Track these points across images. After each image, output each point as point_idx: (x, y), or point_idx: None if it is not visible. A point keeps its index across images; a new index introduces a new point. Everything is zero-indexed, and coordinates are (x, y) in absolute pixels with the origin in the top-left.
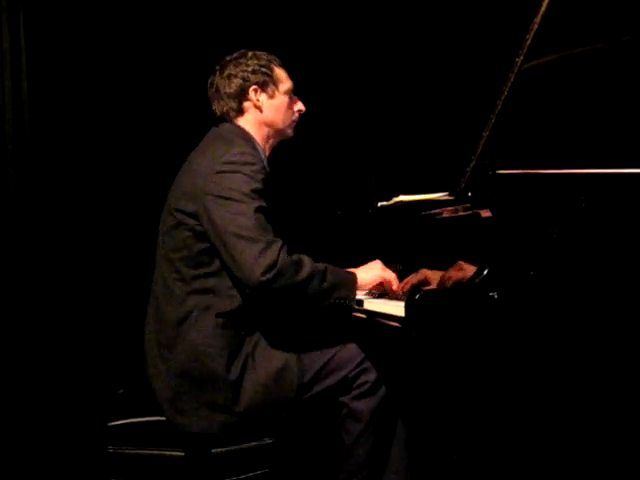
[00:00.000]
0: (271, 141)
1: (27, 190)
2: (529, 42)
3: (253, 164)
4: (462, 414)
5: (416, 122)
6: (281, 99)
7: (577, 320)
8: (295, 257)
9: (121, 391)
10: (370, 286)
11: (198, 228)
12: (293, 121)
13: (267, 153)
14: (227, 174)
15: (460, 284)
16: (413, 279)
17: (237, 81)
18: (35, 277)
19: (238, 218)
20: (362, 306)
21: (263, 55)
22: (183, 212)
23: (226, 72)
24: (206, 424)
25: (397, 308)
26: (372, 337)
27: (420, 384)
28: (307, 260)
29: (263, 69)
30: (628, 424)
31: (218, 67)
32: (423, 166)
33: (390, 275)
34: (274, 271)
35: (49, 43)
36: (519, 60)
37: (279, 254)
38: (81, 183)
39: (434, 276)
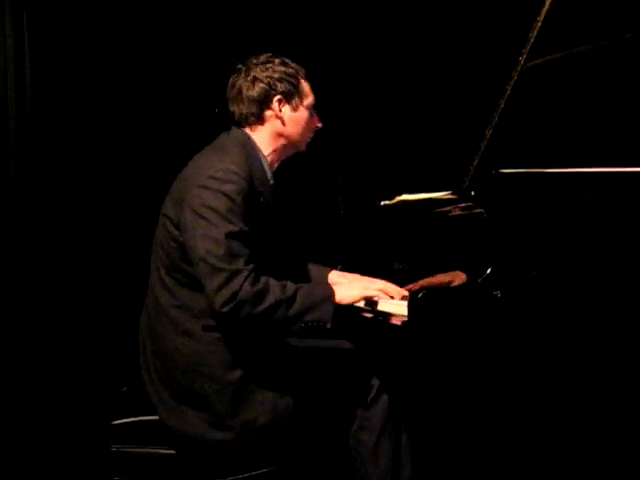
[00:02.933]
0: (283, 153)
1: (29, 188)
2: (532, 41)
3: (234, 183)
4: (466, 413)
5: (419, 121)
6: (303, 113)
7: (580, 319)
8: (260, 286)
9: (124, 389)
10: (352, 303)
11: (180, 239)
12: (309, 137)
13: (275, 165)
14: (207, 190)
15: (463, 283)
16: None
17: (262, 86)
18: (38, 276)
19: (207, 242)
20: (376, 307)
21: (291, 64)
22: (169, 220)
23: (251, 74)
24: (198, 435)
25: (400, 307)
26: (382, 338)
27: (424, 383)
28: (273, 288)
29: (290, 78)
30: (632, 422)
31: (243, 68)
32: (426, 165)
33: (376, 293)
34: (234, 303)
35: (52, 41)
36: (522, 59)
37: (242, 286)
38: (84, 181)
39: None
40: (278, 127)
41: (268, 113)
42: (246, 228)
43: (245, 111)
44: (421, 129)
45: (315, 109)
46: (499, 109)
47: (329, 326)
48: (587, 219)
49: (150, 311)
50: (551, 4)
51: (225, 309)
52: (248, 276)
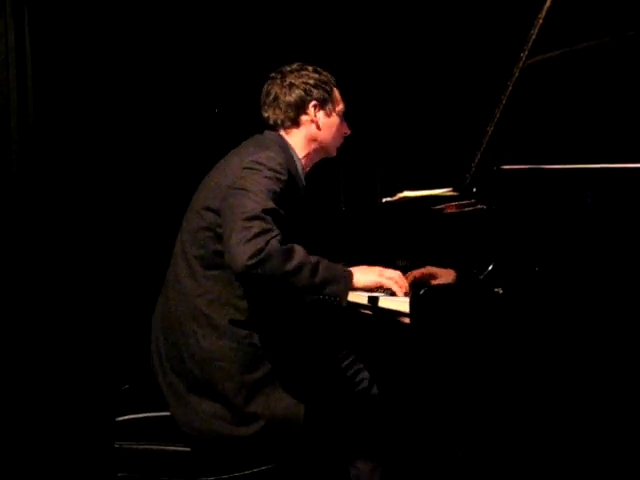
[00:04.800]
0: (315, 157)
1: (31, 189)
2: (534, 37)
3: (278, 171)
4: (467, 410)
5: (420, 118)
6: (335, 119)
7: (582, 316)
8: (287, 246)
9: (126, 387)
10: (365, 288)
11: (218, 229)
12: (339, 143)
13: (307, 168)
14: (251, 171)
15: (465, 280)
16: (416, 274)
17: (298, 92)
18: (41, 274)
19: (244, 204)
20: (377, 304)
21: (325, 72)
22: (209, 209)
23: (288, 81)
24: (207, 431)
25: (402, 304)
26: (385, 335)
27: (425, 380)
28: (299, 250)
29: (325, 85)
30: (634, 419)
31: (278, 75)
32: (428, 162)
33: (388, 282)
34: (260, 256)
35: (54, 40)
36: (524, 55)
37: (269, 241)
38: (85, 182)
39: (437, 274)
40: (313, 131)
41: (304, 118)
42: (281, 211)
43: (282, 116)
44: (423, 126)
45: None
46: (501, 105)
47: (344, 304)
48: (589, 216)
49: (170, 301)
50: (553, 0)
51: (251, 261)
52: (276, 235)
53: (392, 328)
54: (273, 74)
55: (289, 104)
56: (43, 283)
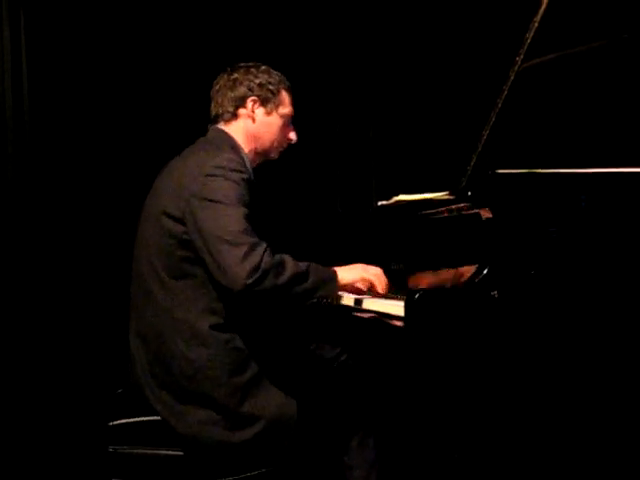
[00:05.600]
0: (255, 157)
1: (27, 188)
2: (529, 41)
3: (240, 172)
4: (463, 413)
5: (416, 121)
6: (276, 119)
7: (577, 319)
8: (277, 258)
9: (120, 391)
10: (349, 286)
11: (183, 236)
12: (281, 146)
13: (254, 164)
14: (215, 178)
15: (460, 283)
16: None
17: (241, 88)
18: (34, 276)
19: (223, 221)
20: (361, 306)
21: (275, 74)
22: (169, 216)
23: (234, 76)
24: (204, 438)
25: (396, 308)
26: (371, 336)
27: (420, 383)
28: (289, 261)
29: (270, 86)
30: (629, 423)
31: (228, 69)
32: (423, 165)
33: (372, 277)
34: (258, 274)
35: (50, 41)
36: (519, 59)
37: (262, 256)
38: (82, 180)
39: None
40: (250, 126)
41: (242, 111)
42: (251, 214)
43: (221, 109)
44: (418, 129)
45: (294, 121)
46: (496, 109)
47: (335, 303)
48: (584, 219)
49: (147, 316)
50: (548, 4)
51: (250, 280)
52: (266, 248)
53: (382, 330)
54: (228, 67)
55: (230, 99)
56: (37, 285)
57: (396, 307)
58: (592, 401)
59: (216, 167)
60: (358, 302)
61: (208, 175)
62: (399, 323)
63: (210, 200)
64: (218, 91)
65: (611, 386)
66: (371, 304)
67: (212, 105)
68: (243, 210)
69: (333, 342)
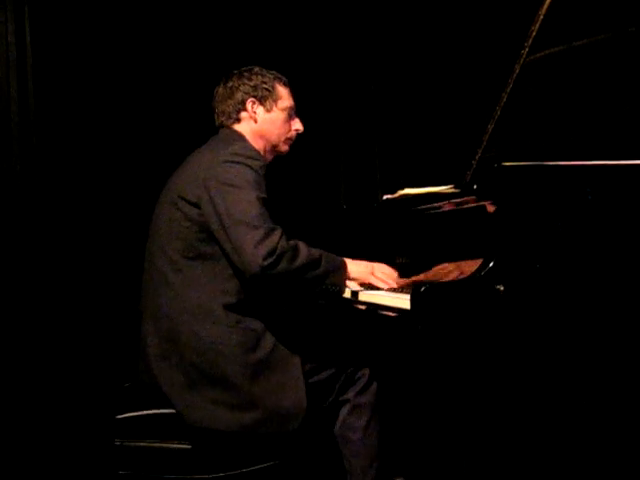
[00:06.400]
0: (265, 154)
1: (33, 187)
2: (534, 34)
3: (257, 159)
4: (468, 406)
5: (421, 115)
6: (278, 114)
7: (583, 313)
8: (292, 243)
9: (128, 384)
10: (355, 280)
11: (199, 218)
12: (288, 138)
13: (267, 161)
14: (233, 164)
15: (465, 277)
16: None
17: (238, 94)
18: (42, 271)
19: (240, 205)
20: (357, 297)
21: (268, 74)
22: (185, 200)
23: (229, 84)
24: (213, 420)
25: (395, 300)
26: (371, 328)
27: (425, 377)
28: (303, 246)
29: (265, 85)
30: (635, 419)
31: (224, 78)
32: (428, 159)
33: (375, 280)
34: (274, 257)
35: (55, 37)
36: (524, 52)
37: (279, 240)
38: (86, 180)
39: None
40: (253, 126)
41: (243, 114)
42: (268, 200)
43: (223, 117)
44: (423, 123)
45: (298, 115)
46: (501, 102)
47: (344, 292)
48: (590, 212)
49: (159, 299)
50: None
51: (266, 262)
52: (281, 232)
53: (383, 322)
54: (224, 77)
55: (230, 105)
56: (45, 280)
57: (401, 300)
58: (598, 395)
59: (234, 154)
60: (354, 294)
61: (226, 161)
62: (392, 314)
63: (230, 185)
64: (218, 101)
65: (617, 380)
66: (373, 297)
67: (215, 116)
68: (260, 194)
69: (339, 333)
